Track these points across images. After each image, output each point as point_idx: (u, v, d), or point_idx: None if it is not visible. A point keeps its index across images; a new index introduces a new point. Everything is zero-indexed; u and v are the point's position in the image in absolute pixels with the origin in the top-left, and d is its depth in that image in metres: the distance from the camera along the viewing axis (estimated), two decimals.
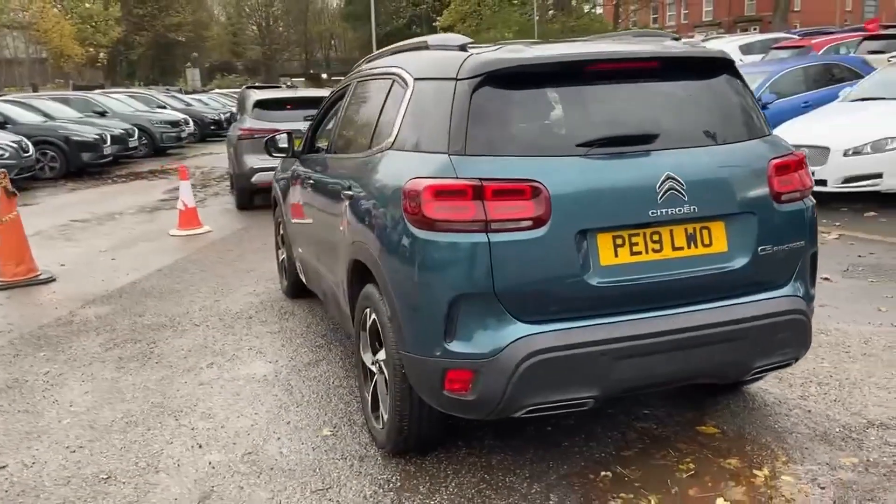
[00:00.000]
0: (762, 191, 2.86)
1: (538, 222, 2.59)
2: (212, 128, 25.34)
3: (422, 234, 2.69)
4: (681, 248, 2.76)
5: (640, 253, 2.71)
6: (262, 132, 9.95)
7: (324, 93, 11.68)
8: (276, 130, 10.05)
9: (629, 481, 2.97)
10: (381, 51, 4.20)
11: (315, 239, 4.35)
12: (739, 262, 2.82)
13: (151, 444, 3.48)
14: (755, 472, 2.99)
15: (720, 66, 3.03)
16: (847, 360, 4.03)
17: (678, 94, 2.95)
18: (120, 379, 4.29)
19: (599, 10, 46.66)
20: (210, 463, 3.28)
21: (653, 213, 2.68)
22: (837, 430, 3.30)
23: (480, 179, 2.61)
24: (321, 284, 4.35)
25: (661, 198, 2.68)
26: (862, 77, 10.30)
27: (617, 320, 2.67)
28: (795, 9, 47.96)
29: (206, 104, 28.32)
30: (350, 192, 3.43)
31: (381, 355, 3.12)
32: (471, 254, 2.60)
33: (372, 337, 3.30)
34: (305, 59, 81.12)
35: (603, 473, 3.03)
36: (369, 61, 4.28)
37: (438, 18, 41.21)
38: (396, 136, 3.13)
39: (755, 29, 45.52)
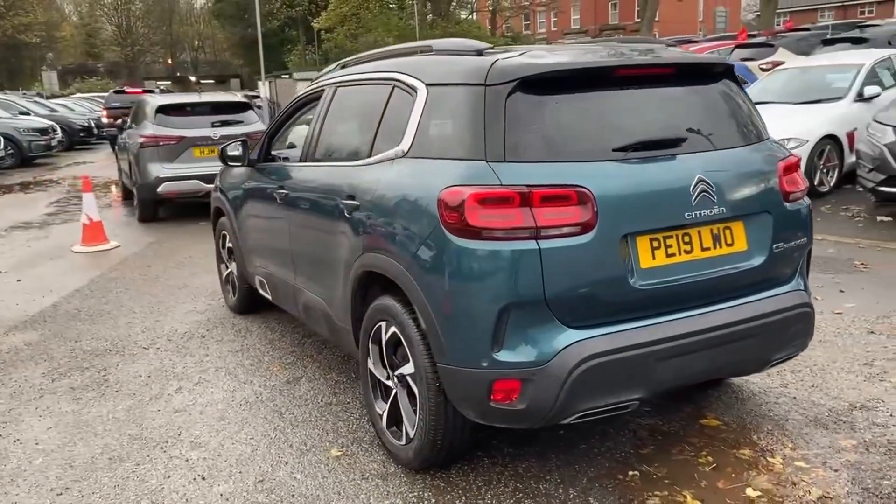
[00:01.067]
0: (775, 191, 3.02)
1: (586, 227, 2.61)
2: (81, 135, 23.77)
3: (465, 243, 2.64)
4: (708, 249, 2.86)
5: (674, 255, 2.78)
6: (168, 139, 9.53)
7: (232, 97, 11.25)
8: (182, 137, 9.72)
9: (658, 479, 3.04)
10: (361, 56, 4.08)
11: (292, 253, 4.16)
12: (758, 260, 2.96)
13: (147, 479, 3.21)
14: (769, 459, 3.14)
15: (724, 71, 3.16)
16: (807, 349, 4.31)
17: (695, 98, 3.05)
18: (82, 411, 3.92)
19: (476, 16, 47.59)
20: (221, 495, 3.06)
21: (688, 215, 2.76)
22: (826, 414, 3.52)
23: (528, 186, 2.59)
24: (299, 300, 4.16)
25: (695, 200, 2.76)
26: (747, 82, 11.07)
27: (657, 322, 2.73)
28: (655, 18, 50.92)
29: (72, 109, 26.51)
30: (353, 203, 3.31)
31: (407, 369, 3.03)
32: (521, 261, 2.58)
33: (389, 351, 3.20)
34: (171, 61, 77.62)
35: (631, 473, 3.09)
36: (346, 66, 4.15)
37: (315, 21, 40.62)
38: (412, 143, 3.05)
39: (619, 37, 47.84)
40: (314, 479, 3.15)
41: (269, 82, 35.01)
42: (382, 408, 3.29)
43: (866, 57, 9.90)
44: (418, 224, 2.84)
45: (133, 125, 10.72)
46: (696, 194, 2.76)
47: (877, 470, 3.02)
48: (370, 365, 3.36)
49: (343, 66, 4.20)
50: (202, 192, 9.37)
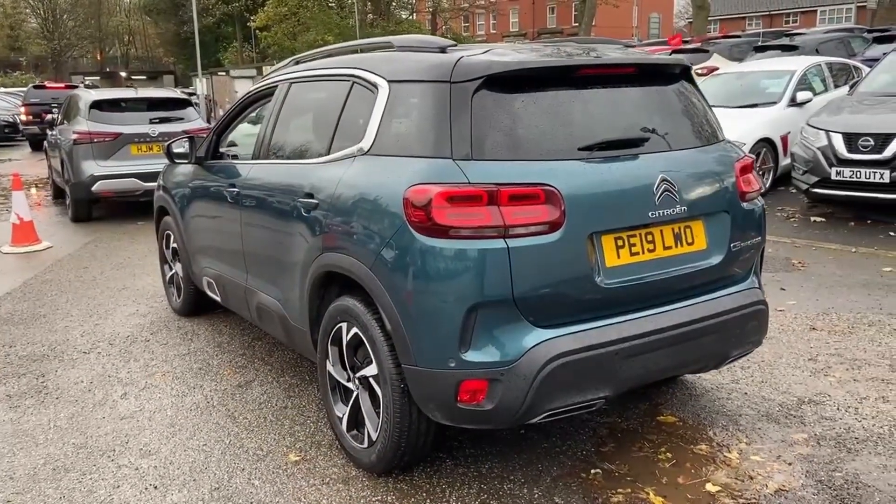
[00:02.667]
0: (732, 191, 3.08)
1: (554, 226, 2.60)
2: (6, 131, 22.74)
3: (432, 242, 2.60)
4: (670, 248, 2.89)
5: (637, 253, 2.81)
6: (103, 136, 9.19)
7: (172, 93, 10.91)
8: (118, 134, 9.38)
9: (620, 476, 3.07)
10: (318, 51, 4.00)
11: (244, 253, 4.04)
12: (716, 259, 3.01)
13: (95, 490, 3.06)
14: (726, 454, 3.21)
15: (682, 72, 3.21)
16: None
17: (656, 98, 3.09)
18: (20, 420, 3.72)
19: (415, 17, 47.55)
20: None
21: (652, 214, 2.79)
22: (776, 409, 3.62)
23: (496, 184, 2.57)
24: (251, 301, 4.05)
25: (658, 199, 2.79)
26: None
27: (623, 320, 2.75)
28: (592, 23, 51.86)
29: None
30: (311, 201, 3.23)
31: (370, 371, 2.97)
32: (489, 261, 2.55)
33: (350, 352, 3.13)
34: (100, 55, 75.12)
35: (593, 471, 3.10)
36: (300, 62, 4.06)
37: (253, 19, 39.88)
38: (374, 141, 3.00)
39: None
40: (273, 486, 3.06)
41: (206, 79, 34.27)
42: (342, 410, 3.22)
43: (798, 63, 10.27)
44: (382, 223, 2.79)
45: (65, 121, 10.30)
46: (659, 194, 2.79)
47: (828, 462, 3.11)
48: (329, 367, 3.29)
49: (297, 63, 4.10)
50: (140, 191, 9.08)
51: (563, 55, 3.05)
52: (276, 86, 4.03)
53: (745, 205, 3.12)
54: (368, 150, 3.02)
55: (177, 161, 4.73)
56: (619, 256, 2.76)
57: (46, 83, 24.42)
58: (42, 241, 8.05)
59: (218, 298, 4.63)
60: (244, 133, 4.64)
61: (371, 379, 2.99)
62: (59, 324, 5.28)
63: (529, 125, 2.77)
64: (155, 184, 5.61)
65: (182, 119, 9.85)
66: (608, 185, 2.75)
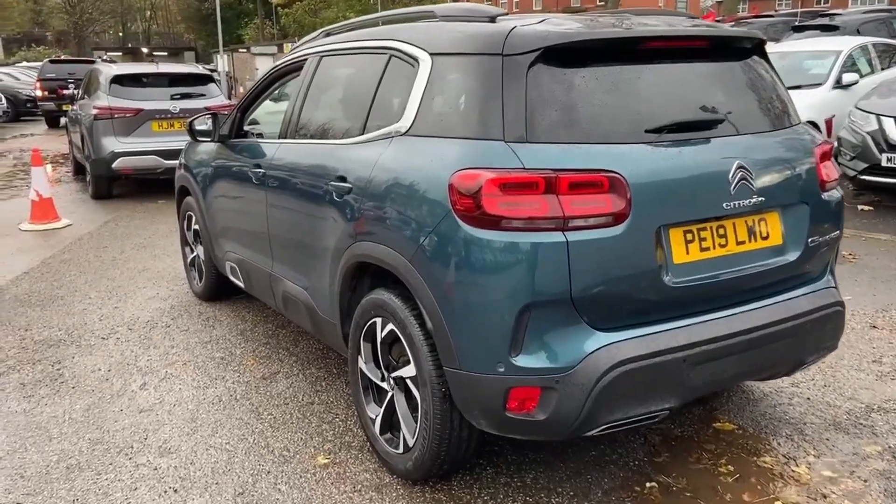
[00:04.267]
0: (811, 179, 2.78)
1: (619, 218, 2.33)
2: (28, 105, 22.62)
3: (481, 233, 2.34)
4: (743, 243, 2.61)
5: (708, 249, 2.52)
6: (124, 111, 8.98)
7: (194, 69, 10.68)
8: (139, 110, 9.17)
9: (679, 491, 2.81)
10: (351, 21, 3.72)
11: (269, 239, 3.80)
12: (793, 255, 2.72)
13: (110, 492, 2.85)
14: (794, 469, 2.93)
15: (756, 46, 2.90)
16: None
17: (730, 76, 2.79)
18: (34, 411, 3.53)
19: None
20: None
21: (726, 205, 2.50)
22: (844, 416, 3.33)
23: (554, 170, 2.30)
24: (276, 289, 3.81)
25: (734, 188, 2.50)
26: None
27: (692, 322, 2.47)
28: (619, 3, 50.94)
29: (18, 79, 25.26)
30: (343, 185, 2.97)
31: (407, 372, 2.72)
32: (546, 255, 2.28)
33: (385, 350, 2.89)
34: (122, 31, 75.17)
35: (649, 485, 2.84)
36: (331, 34, 3.79)
37: None
38: (415, 120, 2.73)
39: None
40: (301, 492, 2.83)
41: (227, 56, 34.06)
42: (375, 412, 2.98)
43: (843, 44, 9.81)
44: (424, 211, 2.52)
45: (86, 96, 10.11)
46: (735, 182, 2.50)
47: None
48: (361, 364, 3.04)
49: (328, 34, 3.83)
50: (161, 168, 8.89)
51: (625, 26, 2.75)
52: (305, 60, 3.76)
53: (824, 195, 2.82)
54: (408, 131, 2.75)
55: (199, 139, 4.49)
56: (687, 252, 2.47)
57: (62, 56, 23.80)
58: (61, 218, 7.88)
59: (241, 285, 4.40)
60: (270, 110, 4.39)
61: (408, 380, 2.74)
62: (77, 306, 5.09)
63: (591, 104, 2.48)
64: (176, 162, 5.39)
65: (204, 95, 9.62)
66: (679, 172, 2.46)
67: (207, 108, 9.26)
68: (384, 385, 2.92)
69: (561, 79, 2.46)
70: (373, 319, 2.90)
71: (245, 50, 37.62)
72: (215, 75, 18.06)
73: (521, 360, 2.34)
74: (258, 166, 3.86)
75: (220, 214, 4.55)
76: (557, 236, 2.28)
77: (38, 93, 19.61)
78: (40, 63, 31.14)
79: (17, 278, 5.78)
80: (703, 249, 2.51)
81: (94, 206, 9.01)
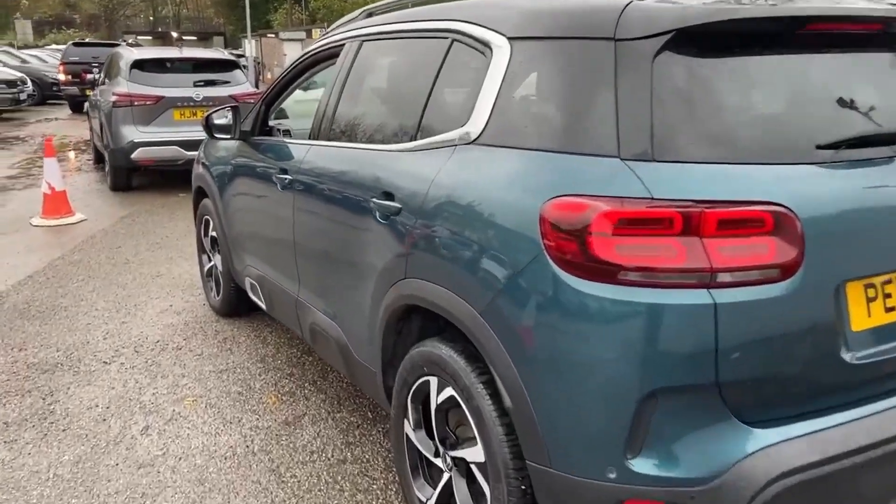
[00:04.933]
0: None
1: (787, 270, 1.67)
2: (54, 89, 22.26)
3: (588, 287, 1.69)
4: None
5: (893, 308, 1.86)
6: (143, 98, 8.44)
7: (218, 54, 10.10)
8: (160, 97, 8.61)
9: None
10: None
11: (296, 258, 3.20)
12: None
13: None
14: None
15: None
16: None
17: None
18: (14, 463, 2.96)
19: None
20: None
21: None
22: None
23: (696, 201, 1.65)
24: (303, 318, 3.21)
25: None
26: None
27: (875, 411, 1.81)
28: None
29: (45, 62, 24.96)
30: (390, 204, 2.35)
31: (472, 454, 2.10)
32: (684, 323, 1.64)
33: (440, 419, 2.26)
34: (152, 15, 75.21)
35: None
36: (374, 14, 3.15)
37: None
38: (487, 124, 2.09)
39: None
40: None
41: (255, 41, 33.58)
42: (427, 494, 2.36)
43: None
44: (502, 248, 1.89)
45: (106, 80, 9.59)
46: None
47: None
48: (408, 429, 2.43)
49: (370, 15, 3.19)
50: (182, 160, 8.33)
51: (781, 2, 2.06)
52: (342, 45, 3.13)
53: None
54: (477, 138, 2.11)
55: (216, 136, 3.89)
56: (869, 314, 1.81)
57: (87, 39, 23.11)
58: (75, 212, 7.36)
59: (262, 305, 3.81)
60: (300, 104, 3.78)
61: (473, 466, 2.12)
62: (81, 320, 4.53)
63: (742, 108, 1.83)
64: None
65: (229, 82, 9.05)
66: (864, 203, 1.79)
67: (232, 97, 8.71)
68: (438, 463, 2.30)
69: (700, 72, 1.80)
70: (425, 377, 2.28)
71: (273, 35, 37.11)
72: (242, 61, 17.51)
73: (641, 465, 1.70)
74: (284, 171, 3.24)
75: (240, 223, 3.95)
76: (701, 296, 1.63)
77: (62, 76, 19.16)
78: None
79: (19, 283, 5.25)
80: (888, 310, 1.84)
81: (111, 199, 8.49)
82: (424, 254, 2.19)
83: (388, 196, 2.39)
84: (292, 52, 38.27)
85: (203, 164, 4.50)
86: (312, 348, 3.34)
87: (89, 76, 11.99)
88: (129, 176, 8.95)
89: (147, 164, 8.60)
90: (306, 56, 3.53)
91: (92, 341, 4.20)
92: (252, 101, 9.23)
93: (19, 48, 29.91)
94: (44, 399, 3.50)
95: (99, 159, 10.59)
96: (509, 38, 2.12)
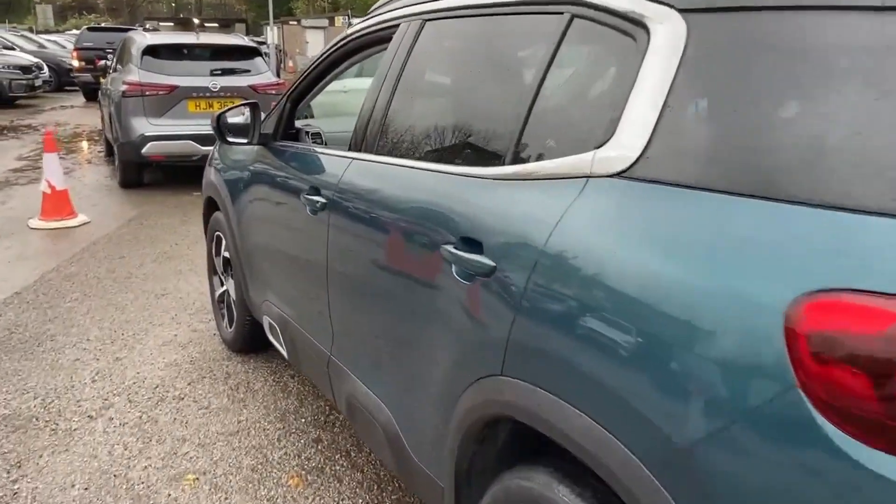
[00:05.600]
0: None
1: None
2: (71, 75, 21.70)
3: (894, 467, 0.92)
4: None
5: None
6: (155, 88, 7.72)
7: (238, 40, 9.33)
8: (174, 87, 7.89)
9: None
10: None
11: (330, 304, 2.44)
12: None
13: None
14: None
15: None
16: None
17: None
18: None
19: None
20: None
21: None
22: None
23: None
24: (338, 385, 2.46)
25: None
26: None
27: None
28: None
29: (64, 47, 24.39)
30: (476, 259, 1.59)
31: None
32: None
33: None
34: (174, 1, 74.82)
35: None
36: None
37: None
38: (647, 147, 1.31)
39: None
40: None
41: (277, 28, 32.90)
42: None
43: None
44: (707, 370, 1.10)
45: (118, 67, 8.90)
46: None
47: None
48: None
49: None
50: (197, 155, 7.62)
51: None
52: (395, 26, 2.35)
53: None
54: (630, 168, 1.33)
55: (231, 141, 3.12)
56: None
57: (102, 24, 22.44)
58: (77, 214, 6.67)
59: (283, 352, 3.06)
60: (332, 95, 3.02)
61: None
62: (69, 354, 3.81)
63: None
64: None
65: (249, 71, 8.32)
66: None
67: (252, 87, 7.99)
68: None
69: None
70: None
71: (296, 22, 36.40)
72: (263, 48, 16.75)
73: None
74: (315, 191, 2.48)
75: (258, 248, 3.21)
76: None
77: (75, 63, 18.53)
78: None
79: (3, 303, 4.55)
80: None
81: (119, 197, 7.80)
82: (539, 344, 1.42)
83: (473, 244, 1.63)
84: (314, 40, 37.65)
85: (215, 169, 3.76)
86: (349, 421, 2.59)
87: (101, 63, 11.29)
88: (140, 172, 8.27)
89: (159, 160, 7.90)
90: (343, 41, 2.76)
91: (78, 385, 3.47)
92: (274, 91, 8.55)
93: (38, 33, 29.41)
94: (8, 473, 2.77)
95: (111, 152, 9.91)
96: (682, 11, 1.34)
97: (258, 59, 8.52)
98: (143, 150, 7.66)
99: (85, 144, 11.56)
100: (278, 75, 14.13)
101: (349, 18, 29.98)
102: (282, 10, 43.79)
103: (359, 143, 2.35)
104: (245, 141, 3.09)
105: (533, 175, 1.55)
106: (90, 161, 10.17)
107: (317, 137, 3.15)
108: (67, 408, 3.25)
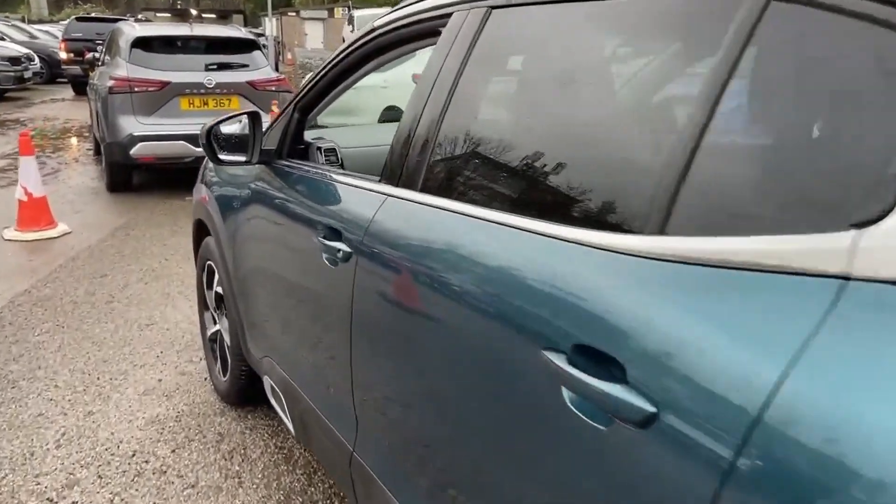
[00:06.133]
0: None
1: None
2: (61, 67, 20.98)
3: None
4: None
5: None
6: (145, 84, 7.08)
7: (235, 32, 8.67)
8: (165, 83, 7.25)
9: None
10: None
11: (354, 385, 1.83)
12: None
13: None
14: None
15: None
16: None
17: None
18: None
19: None
20: None
21: None
22: None
23: None
24: (365, 495, 1.85)
25: None
26: None
27: None
28: None
29: (56, 37, 23.64)
30: (621, 399, 0.98)
31: None
32: None
33: None
34: None
35: None
36: None
37: None
38: None
39: None
40: None
41: (275, 19, 32.20)
42: None
43: None
44: None
45: (107, 59, 8.26)
46: None
47: None
48: None
49: None
50: (190, 157, 7.00)
51: None
52: (446, 17, 1.73)
53: None
54: None
55: (224, 161, 2.49)
56: None
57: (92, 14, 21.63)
58: (57, 223, 6.04)
59: (289, 426, 2.45)
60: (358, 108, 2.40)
61: None
62: (31, 407, 3.20)
63: None
64: None
65: (247, 66, 7.68)
66: None
67: (251, 83, 7.37)
68: None
69: None
70: None
71: (294, 14, 35.72)
72: (262, 40, 16.04)
73: None
74: (335, 234, 1.87)
75: (257, 290, 2.59)
76: None
77: (63, 55, 17.76)
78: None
79: None
80: None
81: (106, 203, 7.18)
82: None
83: (599, 359, 1.02)
84: (313, 32, 36.96)
85: (207, 185, 3.14)
86: None
87: (89, 55, 10.64)
88: (129, 175, 7.64)
89: (149, 162, 7.27)
90: (366, 38, 2.13)
91: (39, 451, 2.86)
92: (274, 88, 7.92)
93: (31, 23, 28.65)
94: None
95: (99, 150, 9.29)
96: None
97: (257, 53, 7.89)
98: (132, 152, 7.03)
99: (74, 141, 10.92)
100: (277, 69, 13.49)
101: (350, 10, 29.28)
102: (280, 1, 43.04)
103: (395, 172, 1.74)
104: (243, 159, 2.47)
105: (717, 259, 0.94)
106: (77, 160, 9.53)
107: (331, 154, 2.55)
108: (23, 486, 2.64)
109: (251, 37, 8.25)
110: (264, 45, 12.53)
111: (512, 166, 1.44)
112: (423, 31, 1.85)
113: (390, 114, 7.19)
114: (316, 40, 35.50)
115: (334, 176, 2.10)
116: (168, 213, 6.76)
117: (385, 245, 1.66)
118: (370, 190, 1.83)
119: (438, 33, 1.75)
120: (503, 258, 1.30)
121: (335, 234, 1.88)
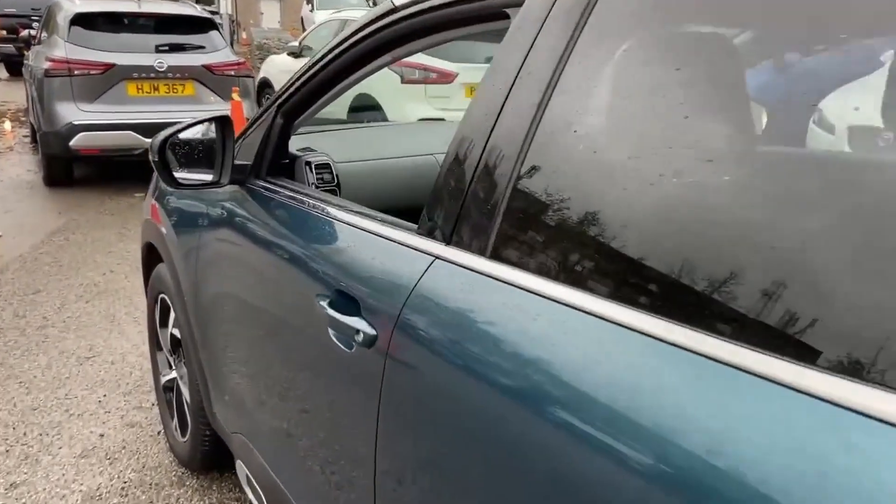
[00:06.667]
0: None
1: None
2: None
3: None
4: None
5: None
6: (86, 66, 6.32)
7: (190, 9, 7.87)
8: (110, 65, 6.48)
9: None
10: None
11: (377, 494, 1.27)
12: None
13: None
14: None
15: None
16: None
17: None
18: None
19: None
20: None
21: None
22: None
23: None
24: None
25: None
26: None
27: None
28: None
29: None
30: None
31: None
32: None
33: None
34: None
35: None
36: None
37: None
38: None
39: None
40: None
41: None
42: None
43: None
44: None
45: (44, 37, 7.45)
46: None
47: None
48: None
49: None
50: (139, 149, 6.27)
51: None
52: (515, 5, 1.15)
53: None
54: None
55: (183, 183, 1.87)
56: None
57: None
58: None
59: None
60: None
61: None
62: None
63: None
64: None
65: (203, 47, 6.96)
66: None
67: (207, 67, 6.66)
68: None
69: None
70: None
71: None
72: (216, 18, 15.05)
73: None
74: (349, 303, 1.29)
75: (229, 344, 1.99)
76: None
77: None
78: None
79: None
80: None
81: (43, 200, 6.42)
82: None
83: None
84: (269, 11, 35.71)
85: (159, 201, 2.52)
86: None
87: (24, 32, 9.73)
88: (69, 167, 6.88)
89: (92, 154, 6.52)
90: (384, 21, 1.54)
91: None
92: (234, 72, 7.21)
93: None
94: None
95: (37, 138, 8.47)
96: None
97: (214, 33, 7.16)
98: (72, 143, 6.28)
99: (8, 126, 10.01)
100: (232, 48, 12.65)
101: None
102: None
103: (447, 223, 1.16)
104: (209, 179, 1.86)
105: None
106: (12, 148, 8.69)
107: (324, 171, 1.96)
108: None
109: (207, 15, 7.50)
110: (220, 24, 11.68)
111: (650, 229, 0.88)
112: (480, 11, 1.28)
113: (363, 102, 6.58)
114: (272, 19, 34.29)
115: (339, 214, 1.51)
116: (115, 212, 6.05)
117: (436, 332, 1.09)
118: (405, 245, 1.25)
119: (489, 17, 1.18)
120: (656, 391, 0.74)
121: (348, 304, 1.30)
